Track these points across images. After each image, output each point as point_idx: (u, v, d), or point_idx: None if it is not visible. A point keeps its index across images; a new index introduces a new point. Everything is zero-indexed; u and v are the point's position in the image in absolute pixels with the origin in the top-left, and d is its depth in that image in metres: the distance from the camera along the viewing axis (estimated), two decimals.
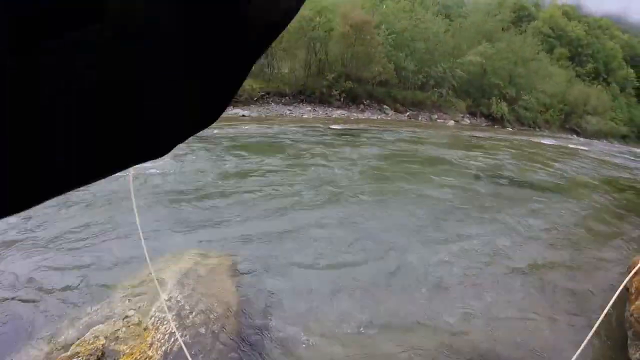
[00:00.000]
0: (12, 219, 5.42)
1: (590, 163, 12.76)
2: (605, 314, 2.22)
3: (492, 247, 5.37)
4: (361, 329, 3.43)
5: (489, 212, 6.68)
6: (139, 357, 2.58)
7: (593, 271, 5.01)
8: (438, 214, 6.30)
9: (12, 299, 3.57)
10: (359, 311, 3.65)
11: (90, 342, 2.70)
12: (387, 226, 5.69)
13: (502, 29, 36.67)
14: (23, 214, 5.78)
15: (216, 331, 2.97)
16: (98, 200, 6.33)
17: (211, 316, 3.10)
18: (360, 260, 4.63)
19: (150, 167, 8.49)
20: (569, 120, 38.02)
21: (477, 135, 20.38)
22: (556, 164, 12.22)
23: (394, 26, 30.94)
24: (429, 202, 6.81)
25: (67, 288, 3.75)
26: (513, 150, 14.57)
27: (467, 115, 31.37)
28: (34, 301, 3.54)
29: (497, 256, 5.13)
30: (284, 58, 30.20)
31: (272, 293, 3.76)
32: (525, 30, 39.16)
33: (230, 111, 23.44)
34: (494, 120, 31.87)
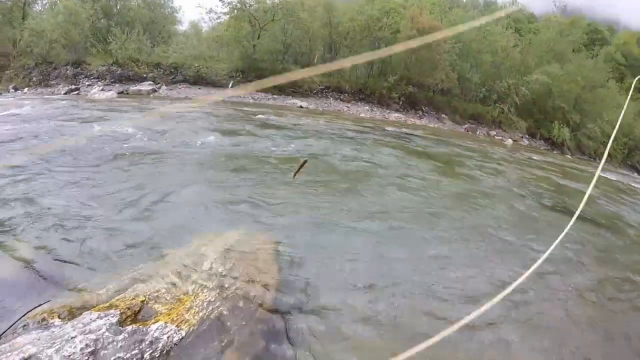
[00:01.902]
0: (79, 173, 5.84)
1: None
2: None
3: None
4: (393, 336, 3.22)
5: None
6: (176, 319, 2.61)
7: None
8: (488, 235, 5.77)
9: (59, 245, 3.72)
10: (394, 320, 3.39)
11: (130, 297, 2.78)
12: (433, 239, 5.27)
13: (573, 50, 34.84)
14: (91, 168, 6.01)
15: (253, 308, 2.99)
16: (161, 166, 6.80)
17: (250, 293, 3.14)
18: (406, 270, 4.30)
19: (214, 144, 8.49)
20: (632, 156, 35.92)
21: (535, 158, 19.36)
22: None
23: (461, 35, 30.07)
24: (479, 221, 6.26)
25: (113, 244, 3.86)
26: (577, 181, 13.67)
27: (527, 136, 30.11)
28: (80, 251, 3.67)
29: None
30: (347, 55, 29.93)
31: (311, 281, 3.68)
32: (597, 55, 37.15)
33: (289, 100, 23.42)
34: (554, 144, 30.43)
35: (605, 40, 46.13)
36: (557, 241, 2.56)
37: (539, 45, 33.99)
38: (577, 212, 2.67)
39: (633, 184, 17.41)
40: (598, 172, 2.92)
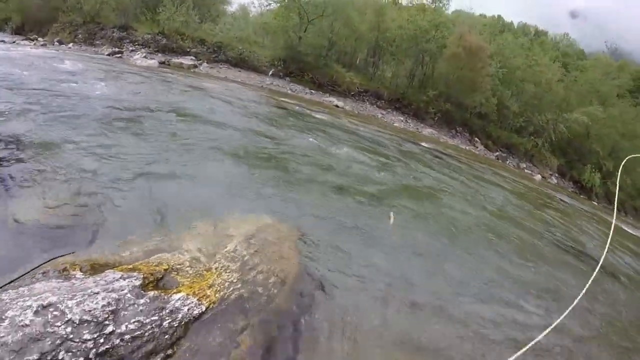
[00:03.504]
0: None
1: None
2: None
3: None
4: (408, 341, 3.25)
5: None
6: (197, 292, 2.62)
7: None
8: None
9: (89, 201, 3.75)
10: (403, 336, 3.32)
11: (154, 264, 2.80)
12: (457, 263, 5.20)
13: (618, 94, 33.97)
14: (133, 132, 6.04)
15: (271, 296, 2.98)
16: (197, 140, 6.79)
17: (270, 279, 3.15)
18: (422, 287, 4.26)
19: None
20: None
21: (563, 199, 18.92)
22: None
23: (508, 61, 29.56)
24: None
25: (142, 209, 3.91)
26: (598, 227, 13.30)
27: (556, 175, 29.46)
28: (108, 210, 3.68)
29: None
30: (390, 62, 29.70)
31: (329, 279, 3.66)
32: None
33: (326, 98, 23.33)
34: (582, 188, 29.68)
35: None
36: (579, 296, 2.57)
37: (583, 84, 33.23)
38: (598, 267, 2.72)
39: None
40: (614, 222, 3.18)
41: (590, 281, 2.55)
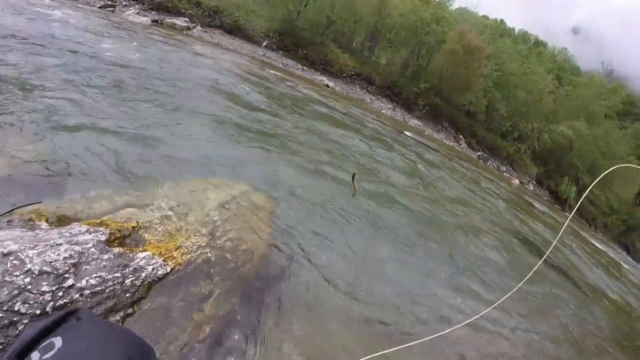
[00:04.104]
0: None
1: (629, 289, 11.33)
2: None
3: None
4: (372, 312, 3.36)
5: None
6: (163, 253, 2.56)
7: None
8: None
9: (61, 151, 3.62)
10: (370, 312, 3.41)
11: (122, 220, 2.71)
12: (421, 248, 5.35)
13: (605, 115, 34.62)
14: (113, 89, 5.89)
15: (238, 264, 2.92)
16: (181, 99, 6.76)
17: (240, 247, 3.08)
18: (390, 270, 4.37)
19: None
20: (627, 235, 35.70)
21: (536, 206, 19.24)
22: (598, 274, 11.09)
23: (503, 65, 29.73)
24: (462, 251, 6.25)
25: (115, 162, 3.79)
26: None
27: (534, 182, 29.98)
28: (80, 161, 3.57)
29: None
30: (386, 49, 29.56)
31: (299, 254, 3.65)
32: (627, 128, 36.83)
33: (317, 76, 23.13)
34: (557, 199, 30.32)
35: None
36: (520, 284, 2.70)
37: (574, 99, 33.69)
38: (542, 259, 2.98)
39: (625, 265, 17.28)
40: (567, 222, 3.43)
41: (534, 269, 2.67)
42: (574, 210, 3.40)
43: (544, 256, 3.16)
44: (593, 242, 19.45)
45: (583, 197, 3.50)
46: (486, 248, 6.67)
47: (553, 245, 3.45)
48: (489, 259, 6.24)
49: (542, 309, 5.38)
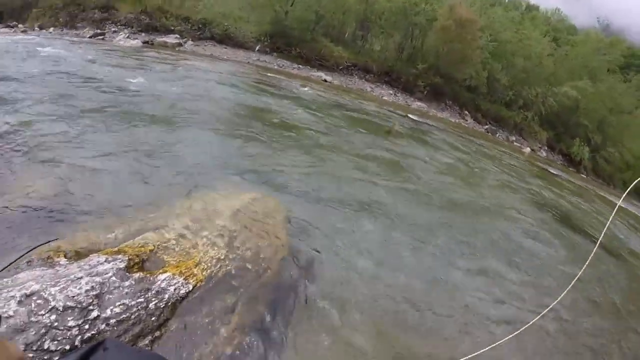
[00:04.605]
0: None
1: None
2: None
3: None
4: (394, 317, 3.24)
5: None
6: (183, 272, 2.56)
7: None
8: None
9: (72, 186, 3.65)
10: (391, 306, 3.37)
11: (139, 245, 2.72)
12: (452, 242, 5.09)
13: (608, 70, 33.85)
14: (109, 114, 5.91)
15: (259, 272, 2.94)
16: (180, 118, 6.72)
17: (259, 255, 3.10)
18: (410, 260, 4.28)
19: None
20: None
21: (552, 171, 18.93)
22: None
23: (498, 34, 29.29)
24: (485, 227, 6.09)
25: (125, 189, 3.87)
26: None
27: (545, 148, 29.55)
28: (92, 193, 3.61)
29: None
30: (378, 35, 29.33)
31: (317, 253, 3.67)
32: (631, 80, 36.03)
33: (314, 73, 23.09)
34: (571, 161, 29.85)
35: None
36: (579, 273, 2.54)
37: (574, 59, 33.10)
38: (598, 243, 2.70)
39: None
40: (619, 203, 3.09)
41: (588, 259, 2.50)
42: (625, 194, 2.97)
43: (599, 239, 3.00)
44: (616, 201, 18.91)
45: (633, 184, 2.83)
46: (519, 230, 6.44)
47: (606, 227, 3.27)
48: (524, 242, 5.98)
49: (603, 296, 5.06)
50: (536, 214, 7.90)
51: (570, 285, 2.52)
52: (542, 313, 2.69)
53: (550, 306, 2.64)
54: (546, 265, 5.32)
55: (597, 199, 15.43)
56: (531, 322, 2.58)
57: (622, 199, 3.06)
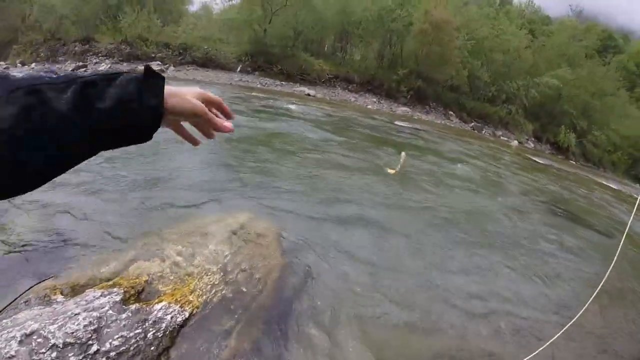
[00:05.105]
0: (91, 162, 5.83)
1: None
2: None
3: None
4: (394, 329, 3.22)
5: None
6: (179, 300, 2.63)
7: None
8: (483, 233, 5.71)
9: (62, 223, 3.70)
10: (393, 314, 3.40)
11: (133, 277, 2.79)
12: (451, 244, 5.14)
13: (586, 55, 34.38)
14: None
15: (256, 293, 3.00)
16: (166, 144, 6.61)
17: (254, 277, 3.16)
18: (408, 267, 4.29)
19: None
20: (636, 166, 35.61)
21: (541, 162, 19.20)
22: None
23: (475, 32, 29.75)
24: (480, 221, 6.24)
25: (116, 222, 3.87)
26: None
27: (532, 139, 29.96)
28: (83, 228, 3.66)
29: None
30: (358, 45, 29.71)
31: (313, 269, 3.68)
32: (610, 63, 36.64)
33: (297, 88, 23.30)
34: (559, 149, 30.27)
35: (619, 48, 45.37)
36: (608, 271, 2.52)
37: (551, 48, 33.63)
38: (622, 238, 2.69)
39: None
40: None
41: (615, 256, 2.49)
42: None
43: (622, 238, 2.86)
44: (607, 184, 19.20)
45: None
46: (527, 229, 6.44)
47: (629, 224, 3.11)
48: (533, 241, 5.90)
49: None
50: (539, 211, 8.05)
51: (603, 281, 2.52)
52: (583, 310, 2.67)
53: (590, 300, 2.60)
54: (570, 268, 5.25)
55: (596, 186, 15.70)
56: (573, 321, 2.58)
57: None
